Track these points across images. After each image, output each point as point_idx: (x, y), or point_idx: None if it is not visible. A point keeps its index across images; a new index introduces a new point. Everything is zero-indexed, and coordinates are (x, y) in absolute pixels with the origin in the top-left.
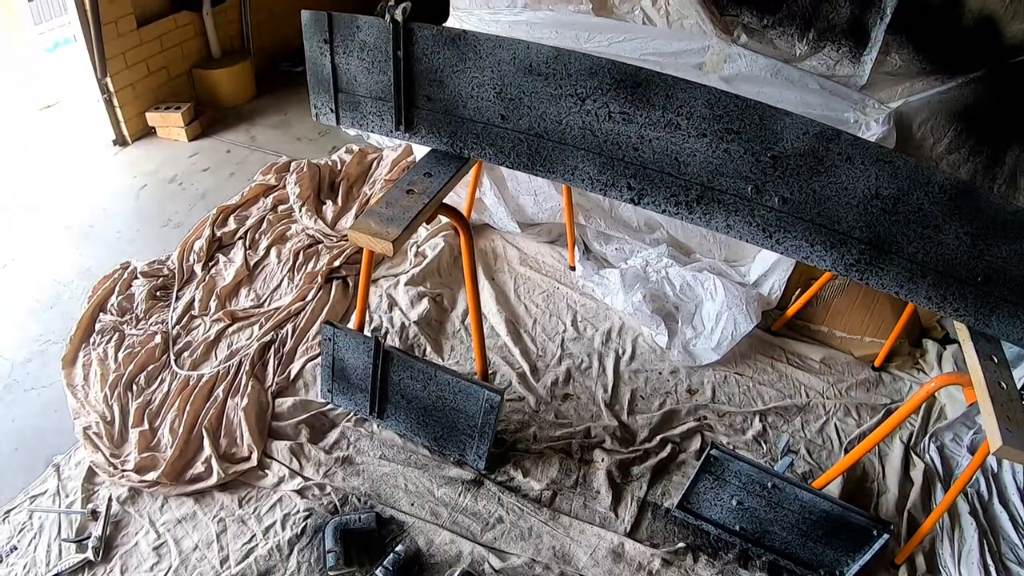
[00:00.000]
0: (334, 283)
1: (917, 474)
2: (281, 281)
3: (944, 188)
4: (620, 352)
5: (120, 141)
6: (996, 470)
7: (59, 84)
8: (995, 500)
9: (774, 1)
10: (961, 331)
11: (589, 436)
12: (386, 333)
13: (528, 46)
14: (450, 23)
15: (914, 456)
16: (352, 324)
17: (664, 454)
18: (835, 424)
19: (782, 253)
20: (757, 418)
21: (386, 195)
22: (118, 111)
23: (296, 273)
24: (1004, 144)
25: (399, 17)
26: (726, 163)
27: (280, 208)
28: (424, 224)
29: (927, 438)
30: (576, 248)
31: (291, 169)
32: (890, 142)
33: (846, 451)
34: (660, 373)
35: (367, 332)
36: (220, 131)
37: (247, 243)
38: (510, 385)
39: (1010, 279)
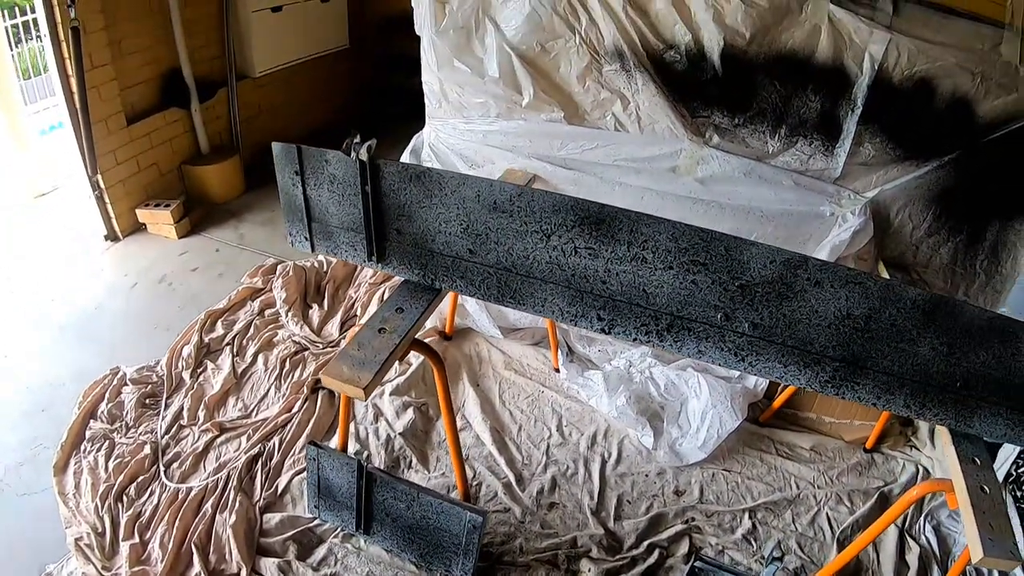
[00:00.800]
0: (320, 393)
1: (913, 558)
2: (268, 390)
3: (917, 303)
4: (606, 456)
5: (112, 236)
6: None
7: (54, 171)
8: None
9: (744, 100)
10: (943, 435)
11: (576, 546)
12: (368, 456)
13: (491, 184)
14: (426, 132)
15: (909, 540)
16: (336, 442)
17: (652, 560)
18: (827, 514)
19: (755, 375)
20: (746, 515)
21: (358, 335)
22: (109, 207)
23: (283, 381)
24: (983, 222)
25: (363, 156)
26: (694, 293)
27: (267, 312)
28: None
29: (923, 518)
30: (559, 351)
31: (277, 272)
32: (867, 232)
33: (838, 541)
34: (647, 475)
35: (351, 451)
36: (209, 228)
37: (235, 349)
38: (496, 496)
39: (990, 381)
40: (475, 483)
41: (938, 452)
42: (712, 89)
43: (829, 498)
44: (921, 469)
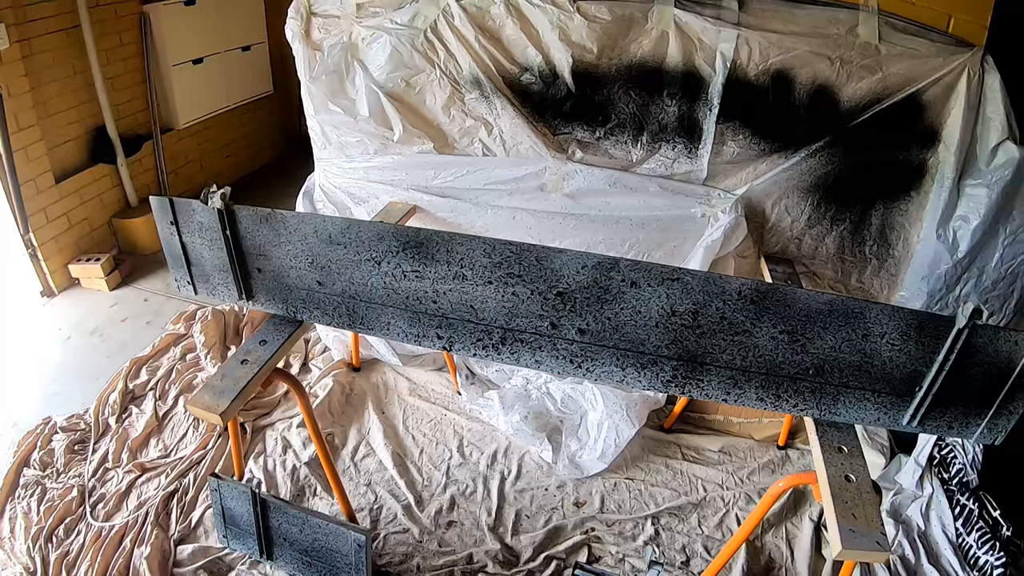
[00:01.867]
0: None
1: (829, 552)
2: (187, 430)
3: (743, 293)
4: (506, 473)
5: (47, 292)
6: (924, 528)
7: None
8: (924, 561)
9: (602, 113)
10: (808, 425)
11: (471, 562)
12: (259, 484)
13: (324, 220)
14: (316, 173)
15: (825, 533)
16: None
17: (548, 572)
18: (736, 515)
19: (594, 381)
20: (649, 522)
21: (223, 366)
22: (43, 264)
23: (201, 421)
24: (867, 206)
25: (218, 205)
26: (517, 305)
27: (188, 356)
28: (318, 365)
29: None
30: (459, 373)
31: (197, 317)
32: (740, 230)
33: (748, 540)
34: (547, 489)
35: (264, 484)
36: (139, 279)
37: (157, 393)
38: (395, 518)
39: (847, 366)
40: (376, 506)
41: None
42: (569, 106)
43: (738, 499)
44: None
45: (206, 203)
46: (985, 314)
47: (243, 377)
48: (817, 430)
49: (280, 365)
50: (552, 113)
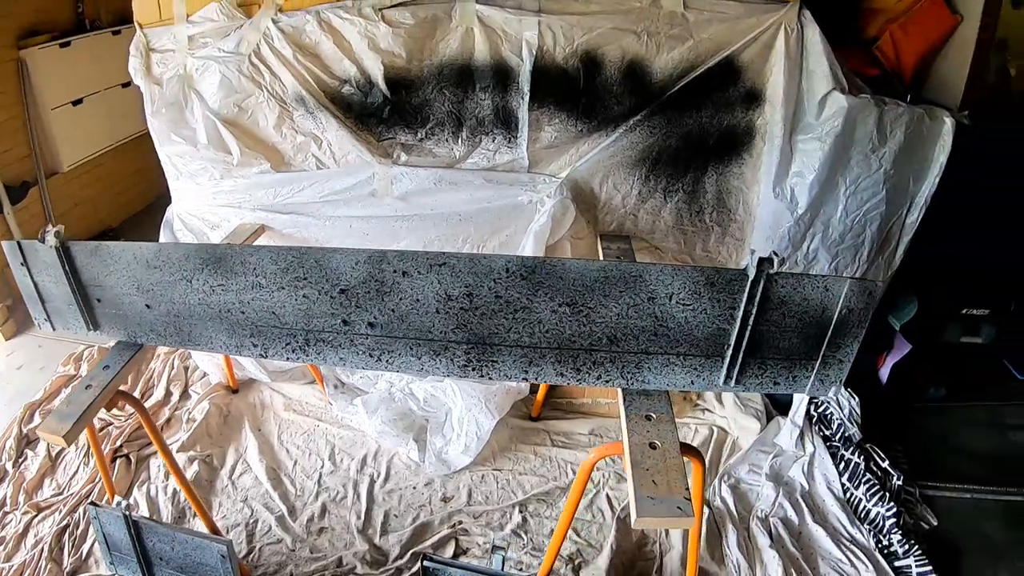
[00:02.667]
0: (119, 461)
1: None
2: (79, 467)
3: (510, 270)
4: (375, 476)
5: None
6: (808, 487)
7: None
8: (809, 520)
9: (421, 114)
10: (618, 396)
11: (341, 565)
12: (129, 506)
13: (140, 247)
14: (174, 198)
15: None
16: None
17: (415, 568)
18: (607, 494)
19: (396, 371)
20: (516, 510)
21: (70, 393)
22: None
23: (91, 457)
24: (699, 173)
25: (52, 242)
26: (310, 307)
27: None
28: (197, 391)
29: (717, 480)
30: (327, 383)
31: (84, 357)
32: (569, 212)
33: (619, 519)
34: (415, 488)
35: (123, 504)
36: (33, 326)
37: None
38: (270, 530)
39: (640, 331)
40: (252, 520)
41: (729, 410)
42: (388, 112)
43: (608, 478)
44: (716, 430)
45: (43, 242)
46: (776, 262)
47: (86, 401)
48: (625, 399)
49: (161, 395)
50: (374, 121)
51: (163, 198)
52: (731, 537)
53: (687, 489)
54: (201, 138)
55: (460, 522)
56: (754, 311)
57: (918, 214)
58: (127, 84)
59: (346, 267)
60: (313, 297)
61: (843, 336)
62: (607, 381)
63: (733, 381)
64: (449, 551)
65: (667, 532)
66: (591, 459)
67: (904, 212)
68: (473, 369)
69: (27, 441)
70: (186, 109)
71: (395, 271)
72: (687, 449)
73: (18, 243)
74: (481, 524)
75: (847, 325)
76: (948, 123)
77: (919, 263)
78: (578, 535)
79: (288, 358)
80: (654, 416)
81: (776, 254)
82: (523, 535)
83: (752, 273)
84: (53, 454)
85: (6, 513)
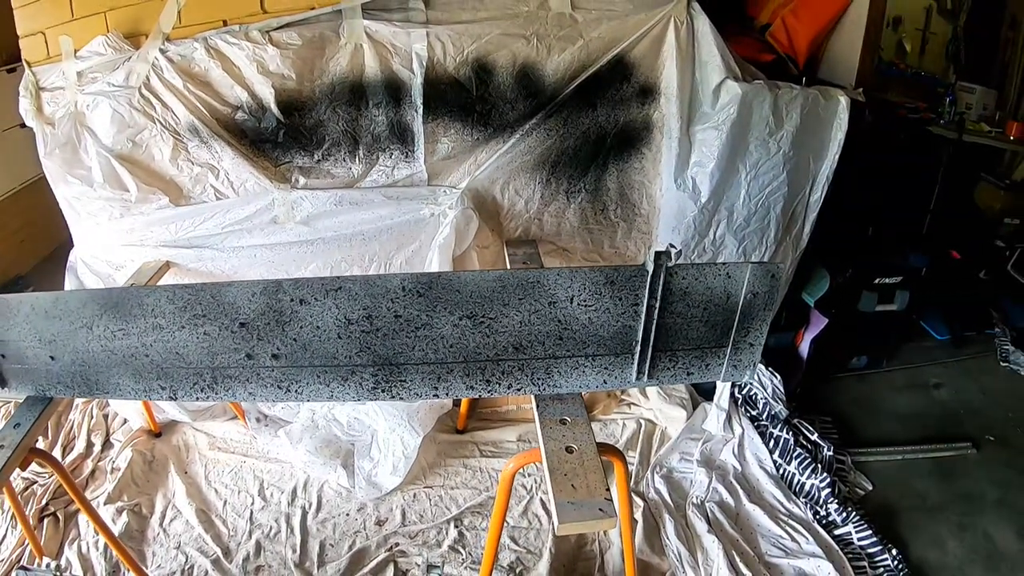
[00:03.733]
0: (46, 520)
1: (639, 514)
2: (6, 531)
3: (406, 288)
4: (307, 507)
5: None
6: (740, 469)
7: None
8: (745, 501)
9: (316, 135)
10: (532, 403)
11: None
12: (58, 567)
13: (37, 296)
14: (76, 241)
15: (635, 498)
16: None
17: None
18: (540, 499)
19: (305, 401)
20: (452, 525)
21: None
22: None
23: (16, 520)
24: (600, 172)
25: None
26: (212, 343)
27: None
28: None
29: (650, 471)
30: (249, 417)
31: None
32: (471, 222)
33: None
34: (348, 514)
35: (51, 564)
36: None
37: None
38: (206, 574)
39: (547, 336)
40: (187, 567)
41: (654, 401)
42: (283, 135)
43: (540, 483)
44: (644, 423)
45: None
46: (674, 254)
47: None
48: (538, 406)
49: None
50: (269, 145)
51: (70, 243)
52: (669, 527)
53: (608, 490)
54: (97, 177)
55: (396, 544)
56: (657, 305)
57: (820, 192)
58: (24, 125)
59: (243, 300)
60: (214, 334)
61: (751, 320)
62: (519, 389)
63: (646, 376)
64: (389, 573)
65: (605, 531)
66: (511, 468)
67: (807, 191)
68: (383, 391)
69: None
70: (80, 148)
71: (292, 299)
72: (606, 449)
73: None
74: (418, 543)
75: (753, 309)
76: (843, 101)
77: (827, 239)
78: (516, 543)
79: (198, 398)
80: (568, 420)
81: (673, 246)
82: (461, 550)
83: (651, 268)
84: None
85: None
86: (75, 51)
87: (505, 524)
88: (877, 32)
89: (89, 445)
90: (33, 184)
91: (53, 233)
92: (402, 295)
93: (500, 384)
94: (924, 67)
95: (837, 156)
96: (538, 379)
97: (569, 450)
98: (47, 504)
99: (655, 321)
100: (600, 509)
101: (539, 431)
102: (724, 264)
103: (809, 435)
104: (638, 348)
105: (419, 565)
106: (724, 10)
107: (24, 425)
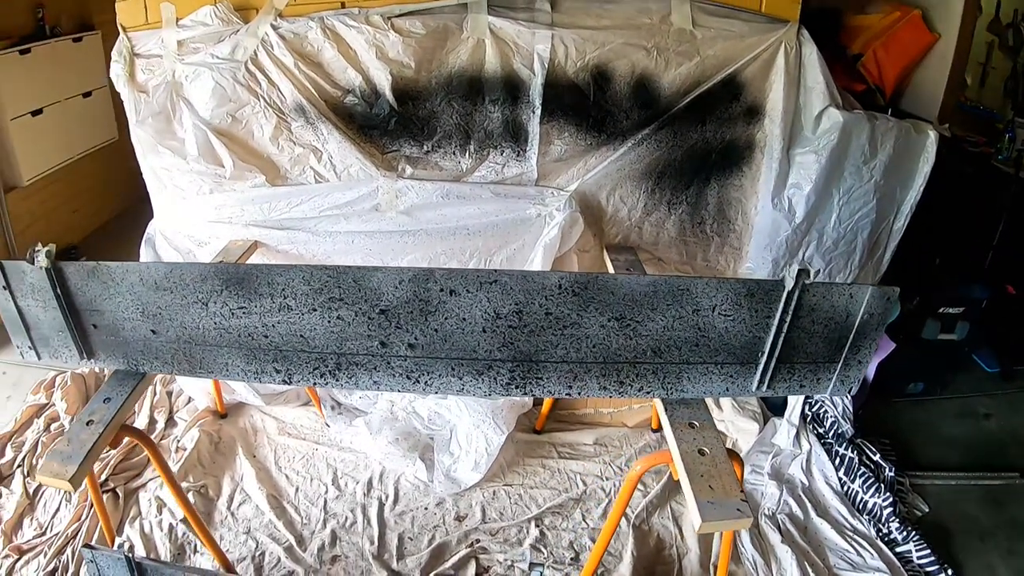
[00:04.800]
0: (105, 497)
1: None
2: (60, 504)
3: (562, 287)
4: (384, 499)
5: None
6: (807, 483)
7: None
8: (813, 515)
9: (428, 126)
10: (658, 406)
11: None
12: (131, 548)
13: (148, 266)
14: (156, 214)
15: None
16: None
17: None
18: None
19: (435, 393)
20: (533, 524)
21: (69, 430)
22: None
23: (73, 494)
24: (701, 186)
25: (44, 264)
26: (344, 328)
27: (53, 426)
28: (184, 417)
29: None
30: (324, 405)
31: (56, 384)
32: (577, 225)
33: (634, 526)
34: (426, 508)
35: (140, 548)
36: None
37: (25, 470)
38: (279, 562)
39: (684, 343)
40: (258, 553)
41: (727, 413)
42: (394, 123)
43: (619, 487)
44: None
45: (32, 263)
46: (812, 272)
47: (88, 439)
48: (666, 410)
49: (144, 422)
50: (379, 132)
51: (123, 215)
52: (744, 536)
53: (742, 491)
54: (191, 149)
55: (477, 540)
56: (788, 319)
57: (904, 221)
58: (88, 94)
59: (388, 286)
60: (348, 318)
61: (863, 339)
62: (648, 392)
63: (765, 386)
64: (470, 571)
65: (682, 536)
66: (638, 470)
67: (892, 219)
68: (516, 387)
69: (0, 477)
70: (174, 119)
71: (442, 290)
72: (730, 453)
73: (0, 264)
74: (499, 541)
75: (867, 328)
76: (932, 136)
77: (902, 265)
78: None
79: (315, 383)
80: (697, 424)
81: (811, 265)
82: (543, 549)
83: (790, 284)
84: (30, 491)
85: None
86: (177, 19)
87: (586, 526)
88: (961, 70)
89: (152, 422)
90: (92, 153)
91: (107, 204)
92: (557, 293)
93: (632, 386)
94: (983, 102)
95: (922, 188)
96: (668, 383)
97: (702, 452)
98: (106, 480)
99: (784, 334)
100: (738, 509)
101: (670, 434)
102: (849, 285)
103: (872, 455)
104: (763, 358)
105: (500, 562)
106: (818, 37)
107: (116, 400)
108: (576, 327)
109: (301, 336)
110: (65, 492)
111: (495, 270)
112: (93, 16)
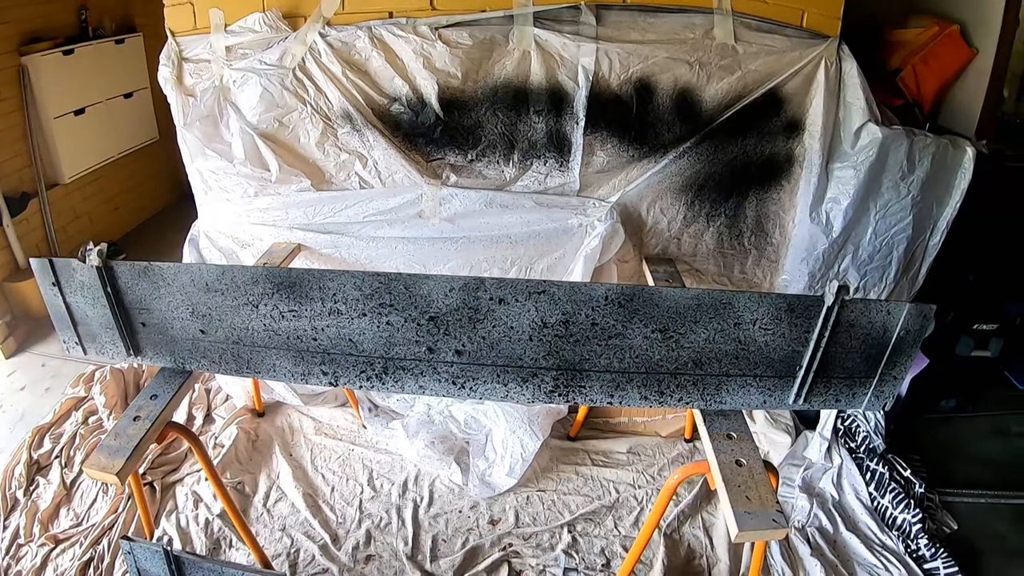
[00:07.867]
0: (143, 490)
1: None
2: (96, 496)
3: (609, 299)
4: (418, 500)
5: None
6: (838, 497)
7: None
8: (842, 528)
9: (472, 136)
10: (696, 416)
11: None
12: (170, 541)
13: (200, 268)
14: (200, 220)
15: None
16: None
17: None
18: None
19: (481, 399)
20: (565, 530)
21: (116, 425)
22: None
23: (110, 485)
24: (740, 199)
25: (95, 262)
26: (393, 334)
27: (91, 419)
28: (222, 415)
29: None
30: (362, 407)
31: (96, 378)
32: (618, 236)
33: (665, 535)
34: (460, 511)
35: (177, 541)
36: (35, 344)
37: (63, 461)
38: (313, 560)
39: (725, 355)
40: (293, 550)
41: (760, 425)
42: (439, 132)
43: (651, 496)
44: None
45: (84, 261)
46: (851, 288)
47: (136, 434)
48: (705, 420)
49: (182, 418)
50: (424, 140)
51: (161, 213)
52: (773, 547)
53: (777, 502)
54: (237, 153)
55: (510, 544)
56: (827, 334)
57: (940, 237)
58: (129, 95)
59: (438, 294)
60: (398, 324)
61: (899, 355)
62: (688, 403)
63: (802, 400)
64: (503, 574)
65: (712, 546)
66: (675, 479)
67: (928, 235)
68: (560, 395)
69: (38, 467)
70: (221, 122)
71: (491, 298)
72: (766, 465)
73: (50, 261)
74: (532, 546)
75: (904, 345)
76: (970, 152)
77: (937, 281)
78: (627, 552)
79: (362, 386)
80: (735, 435)
81: (850, 282)
82: (575, 555)
83: (829, 300)
84: (68, 481)
85: (20, 545)
86: (225, 25)
87: (618, 534)
88: (1000, 85)
89: (190, 418)
90: (132, 153)
91: (147, 203)
92: (603, 304)
93: (672, 397)
94: (1020, 114)
95: (959, 204)
96: (708, 395)
97: (739, 463)
98: (144, 473)
99: (822, 349)
100: (773, 520)
101: (708, 444)
102: (886, 302)
103: (902, 471)
104: (801, 372)
105: (533, 567)
106: (857, 53)
107: (162, 397)
108: (620, 338)
109: (349, 340)
110: (102, 484)
111: (544, 280)
112: (135, 18)
